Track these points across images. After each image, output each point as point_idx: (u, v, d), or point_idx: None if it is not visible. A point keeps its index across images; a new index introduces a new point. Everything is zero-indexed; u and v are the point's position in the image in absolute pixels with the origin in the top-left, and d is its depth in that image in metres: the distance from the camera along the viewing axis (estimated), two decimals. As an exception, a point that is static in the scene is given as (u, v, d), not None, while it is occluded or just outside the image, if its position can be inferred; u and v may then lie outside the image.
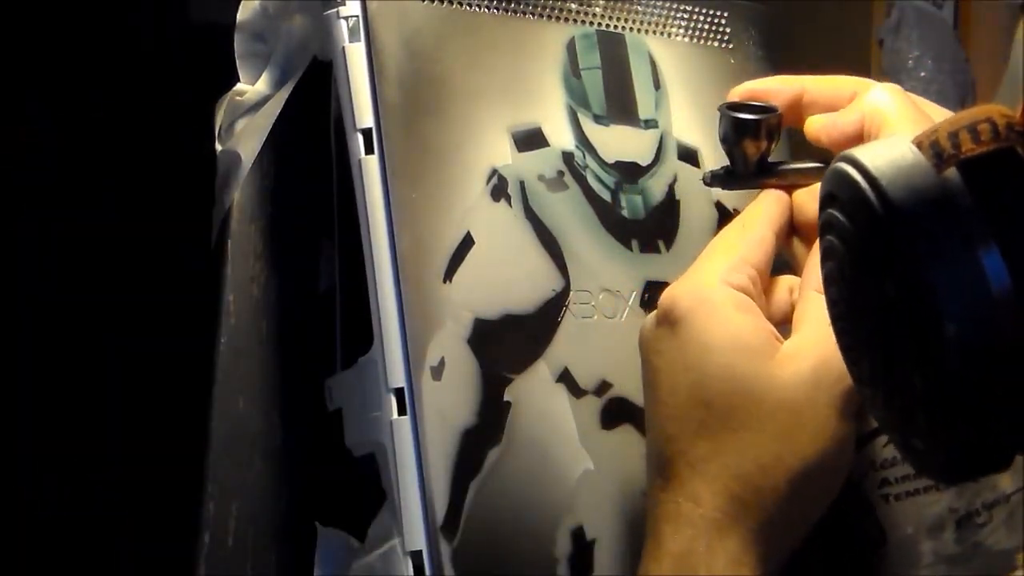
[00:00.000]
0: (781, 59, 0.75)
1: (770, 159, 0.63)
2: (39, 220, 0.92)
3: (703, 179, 0.66)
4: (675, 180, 0.68)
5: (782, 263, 0.64)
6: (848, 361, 0.44)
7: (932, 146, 0.39)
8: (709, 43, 0.73)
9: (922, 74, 0.93)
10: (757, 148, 0.62)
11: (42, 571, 0.89)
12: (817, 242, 0.58)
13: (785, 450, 0.54)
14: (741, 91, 0.64)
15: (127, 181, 0.92)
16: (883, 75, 0.95)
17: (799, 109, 0.63)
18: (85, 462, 0.90)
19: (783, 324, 0.60)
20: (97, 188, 0.92)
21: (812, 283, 0.59)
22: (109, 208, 0.92)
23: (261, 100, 0.68)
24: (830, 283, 0.45)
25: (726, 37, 0.74)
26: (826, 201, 0.42)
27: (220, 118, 0.70)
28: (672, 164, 0.68)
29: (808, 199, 0.62)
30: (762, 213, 0.62)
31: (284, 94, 0.67)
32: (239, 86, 0.69)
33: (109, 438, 0.90)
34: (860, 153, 0.40)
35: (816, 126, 0.62)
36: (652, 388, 0.58)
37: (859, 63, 0.95)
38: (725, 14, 0.74)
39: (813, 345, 0.56)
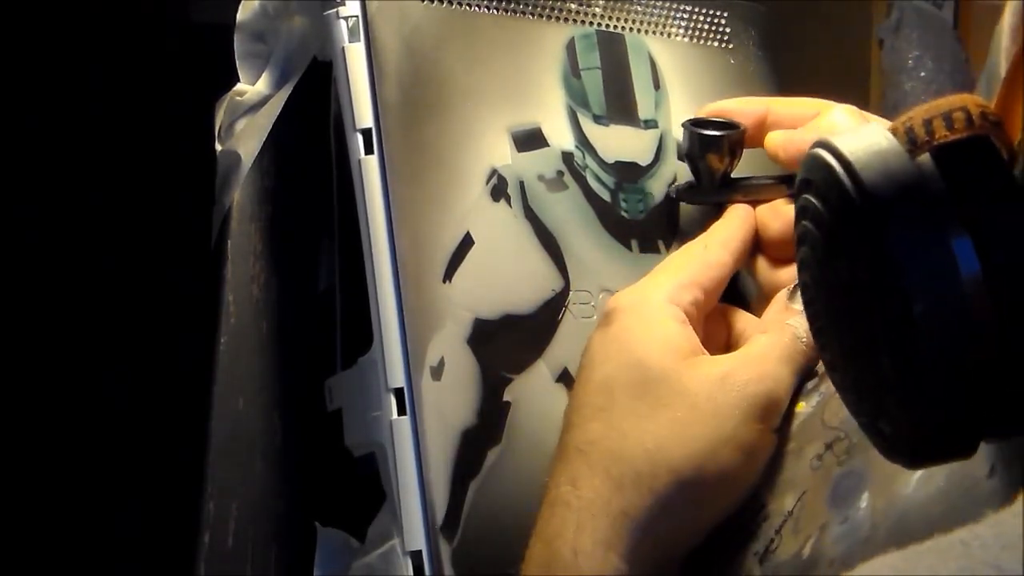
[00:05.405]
0: (781, 59, 0.75)
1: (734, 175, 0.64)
2: (38, 219, 0.92)
3: (668, 193, 0.67)
4: (675, 180, 0.68)
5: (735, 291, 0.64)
6: (819, 345, 0.45)
7: (907, 132, 0.39)
8: (709, 43, 0.73)
9: (922, 74, 0.93)
10: (720, 163, 0.64)
11: (42, 571, 0.89)
12: (783, 295, 0.58)
13: (673, 440, 0.53)
14: (708, 110, 0.66)
15: (127, 181, 0.92)
16: (883, 75, 0.95)
17: (763, 129, 0.64)
18: (85, 462, 0.90)
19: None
20: (97, 187, 0.92)
21: (761, 326, 0.59)
22: (108, 207, 0.92)
23: (261, 100, 0.68)
24: (803, 268, 0.45)
25: (726, 37, 0.74)
26: (801, 187, 0.43)
27: (220, 118, 0.70)
28: (672, 164, 0.68)
29: (770, 216, 0.63)
30: (724, 236, 0.62)
31: (284, 94, 0.67)
32: (239, 86, 0.69)
33: (109, 438, 0.90)
34: (835, 139, 0.40)
35: (775, 142, 0.63)
36: (575, 383, 0.58)
37: (859, 63, 0.95)
38: (725, 14, 0.74)
39: (734, 358, 0.56)
